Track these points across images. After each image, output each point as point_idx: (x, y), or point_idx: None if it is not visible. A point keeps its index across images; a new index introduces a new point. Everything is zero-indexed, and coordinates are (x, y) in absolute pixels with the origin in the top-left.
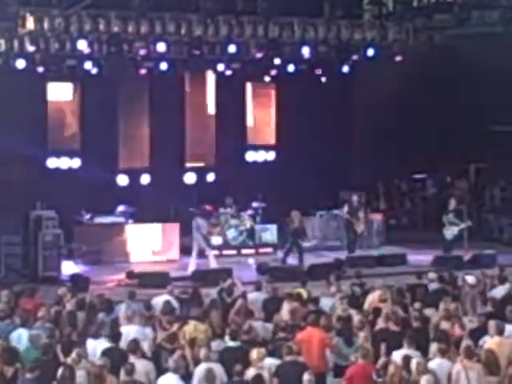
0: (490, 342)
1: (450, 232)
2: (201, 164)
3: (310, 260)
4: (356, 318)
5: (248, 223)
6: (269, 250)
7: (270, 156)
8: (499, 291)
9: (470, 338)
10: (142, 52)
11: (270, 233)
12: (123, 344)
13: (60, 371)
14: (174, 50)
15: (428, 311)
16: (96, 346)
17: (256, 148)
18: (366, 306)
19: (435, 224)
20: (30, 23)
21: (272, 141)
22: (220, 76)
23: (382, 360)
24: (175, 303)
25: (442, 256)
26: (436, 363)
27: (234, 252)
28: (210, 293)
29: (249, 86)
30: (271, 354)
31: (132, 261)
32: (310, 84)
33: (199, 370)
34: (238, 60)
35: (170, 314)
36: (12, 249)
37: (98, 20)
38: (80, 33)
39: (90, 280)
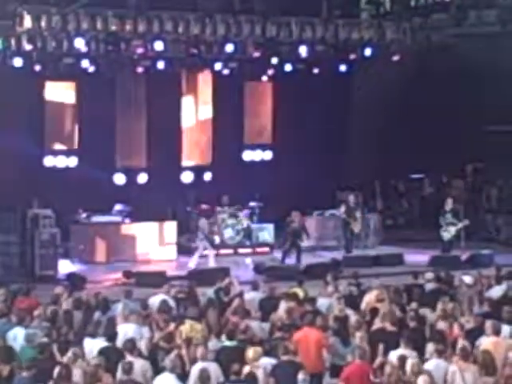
0: (486, 342)
1: (447, 233)
2: (198, 163)
3: (306, 260)
4: (353, 318)
5: (245, 223)
6: (266, 249)
7: (267, 155)
8: (496, 291)
9: (467, 339)
10: (140, 51)
11: (267, 232)
12: (120, 343)
13: (56, 370)
14: (172, 48)
15: (425, 311)
16: (93, 345)
17: (253, 147)
18: (363, 306)
19: (432, 224)
20: (28, 21)
21: (269, 140)
22: (217, 75)
23: (378, 360)
24: (172, 302)
25: (439, 256)
26: (433, 364)
27: (230, 251)
28: (207, 292)
29: (246, 85)
30: (268, 353)
31: (129, 260)
32: (307, 83)
33: (195, 370)
34: (236, 59)
35: (167, 313)
36: (9, 247)
37: (96, 18)
38: (77, 31)
39: (86, 279)
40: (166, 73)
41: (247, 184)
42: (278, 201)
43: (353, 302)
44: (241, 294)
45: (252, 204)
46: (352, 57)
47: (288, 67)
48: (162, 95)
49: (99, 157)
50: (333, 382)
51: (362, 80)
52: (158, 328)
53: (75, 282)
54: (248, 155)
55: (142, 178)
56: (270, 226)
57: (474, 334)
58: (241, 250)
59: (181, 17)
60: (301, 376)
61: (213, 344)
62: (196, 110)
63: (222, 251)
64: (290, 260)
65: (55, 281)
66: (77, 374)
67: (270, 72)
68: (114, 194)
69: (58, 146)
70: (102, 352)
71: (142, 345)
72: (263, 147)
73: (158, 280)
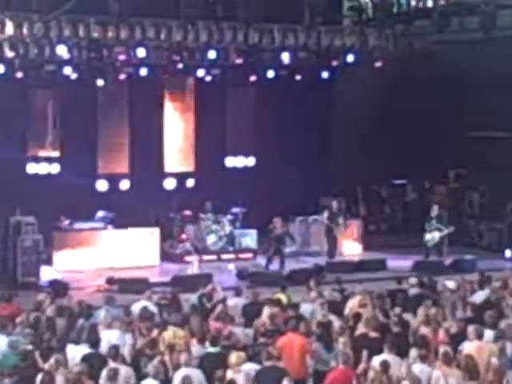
0: (469, 346)
1: (431, 237)
2: (181, 170)
3: (290, 265)
4: (336, 323)
5: (228, 228)
6: (249, 255)
7: (250, 162)
8: (479, 296)
9: (450, 343)
10: (122, 57)
11: (250, 238)
12: (104, 350)
13: (39, 377)
14: (154, 55)
15: (408, 316)
16: (76, 352)
17: (236, 154)
18: (347, 311)
19: (415, 229)
20: (10, 28)
21: (252, 147)
22: (200, 82)
23: (361, 366)
24: (154, 309)
25: (422, 261)
26: (417, 369)
27: (213, 257)
28: (190, 298)
29: (229, 92)
30: (251, 359)
31: (112, 266)
32: (289, 90)
33: (178, 376)
34: (218, 66)
35: (149, 319)
36: None
37: (78, 25)
38: (59, 38)
39: (69, 286)
40: (148, 79)
41: (230, 190)
42: (261, 207)
43: (336, 307)
44: (224, 300)
45: (235, 210)
46: (334, 63)
47: (270, 74)
48: (144, 102)
49: (82, 163)
50: None
51: (344, 86)
52: (140, 334)
53: (58, 288)
54: (231, 161)
55: (125, 185)
56: (253, 232)
57: (457, 339)
58: (224, 256)
59: (163, 23)
60: (285, 382)
61: (196, 350)
62: (178, 117)
63: (205, 257)
64: (274, 266)
65: (37, 287)
66: (59, 380)
67: (253, 78)
68: (96, 201)
69: (40, 153)
70: (85, 359)
71: (125, 351)
72: (246, 153)
73: (140, 286)
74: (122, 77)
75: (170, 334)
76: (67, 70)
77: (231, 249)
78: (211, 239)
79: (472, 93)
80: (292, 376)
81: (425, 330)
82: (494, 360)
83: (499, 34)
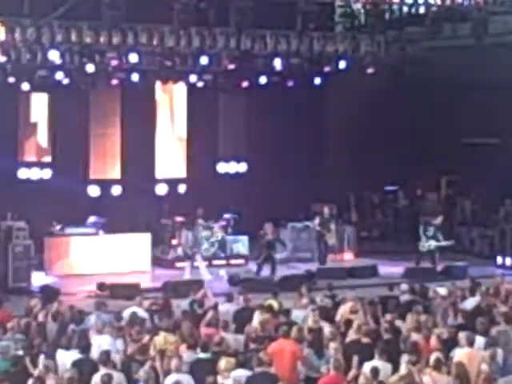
0: (460, 353)
1: (427, 244)
2: (172, 175)
3: (281, 271)
4: (327, 329)
5: (219, 234)
6: (240, 261)
7: (242, 167)
8: (470, 303)
9: (441, 350)
10: (114, 63)
11: (241, 244)
12: (95, 355)
13: (30, 382)
14: (146, 61)
15: (399, 323)
16: (66, 358)
17: (227, 159)
18: (338, 317)
19: (406, 236)
20: (1, 33)
21: (243, 152)
22: (192, 87)
23: (352, 372)
24: (144, 314)
25: (414, 268)
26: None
27: (205, 263)
28: (181, 304)
29: (221, 98)
30: (242, 365)
31: (103, 272)
32: (282, 96)
33: (168, 382)
34: (210, 71)
35: (139, 325)
36: None
37: (70, 30)
38: (52, 43)
39: (60, 291)
40: (140, 85)
41: (222, 196)
42: (253, 213)
43: (327, 313)
44: (215, 306)
45: (227, 216)
46: (326, 69)
47: (263, 80)
48: (136, 107)
49: (73, 169)
50: None
51: (336, 93)
52: (131, 340)
53: (49, 294)
54: (222, 167)
55: (116, 190)
56: (245, 238)
57: (447, 346)
58: (215, 262)
59: (155, 29)
60: None
61: (187, 356)
62: (170, 122)
63: (197, 263)
64: (265, 272)
65: (28, 293)
66: None
67: (245, 84)
68: (88, 206)
69: (32, 158)
70: (75, 364)
71: (116, 357)
72: (238, 159)
73: (132, 292)
74: (114, 82)
75: (160, 339)
76: (59, 75)
77: (223, 255)
78: (203, 245)
79: (464, 99)
80: (283, 382)
81: (416, 337)
82: (485, 367)
83: (491, 40)
